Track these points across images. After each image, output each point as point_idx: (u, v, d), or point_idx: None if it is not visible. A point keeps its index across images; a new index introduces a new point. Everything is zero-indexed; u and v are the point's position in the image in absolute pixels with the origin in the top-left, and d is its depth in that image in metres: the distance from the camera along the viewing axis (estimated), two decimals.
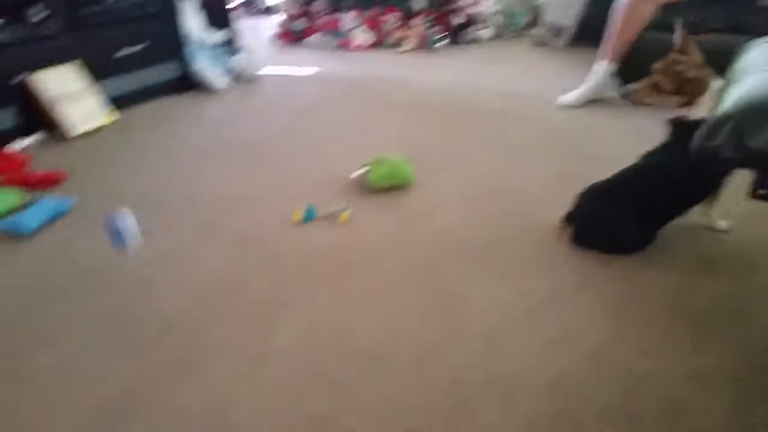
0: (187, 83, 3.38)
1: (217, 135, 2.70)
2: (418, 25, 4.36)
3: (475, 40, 4.43)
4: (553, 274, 1.53)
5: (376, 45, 4.47)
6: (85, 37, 2.91)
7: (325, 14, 4.68)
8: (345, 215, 1.86)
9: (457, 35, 4.39)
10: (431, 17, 4.38)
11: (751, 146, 0.86)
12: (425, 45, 4.29)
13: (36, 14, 2.70)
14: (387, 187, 2.04)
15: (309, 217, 1.86)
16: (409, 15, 4.44)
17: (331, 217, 1.86)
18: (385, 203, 1.96)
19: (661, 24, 2.67)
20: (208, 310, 1.45)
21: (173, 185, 2.17)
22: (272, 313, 1.42)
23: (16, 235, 1.82)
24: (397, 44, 4.38)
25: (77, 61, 2.83)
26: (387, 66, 3.86)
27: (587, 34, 3.58)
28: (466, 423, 1.09)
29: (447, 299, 1.45)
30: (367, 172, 2.04)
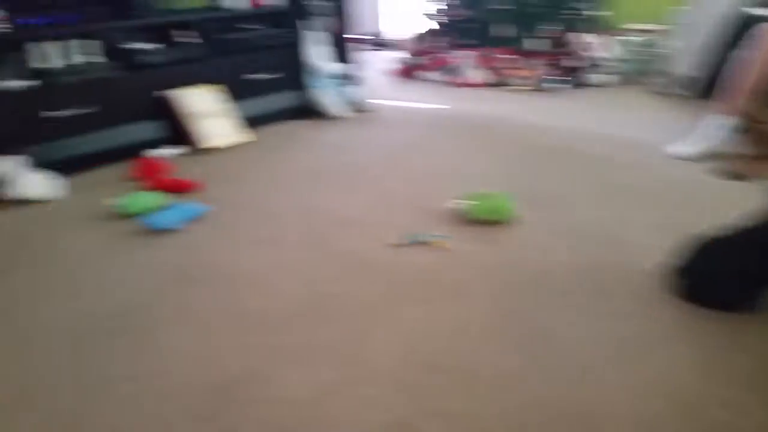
0: (308, 110, 3.67)
1: (331, 159, 2.92)
2: (533, 65, 4.43)
3: (591, 85, 4.41)
4: (646, 321, 1.53)
5: (489, 84, 4.57)
6: (226, 62, 3.28)
7: (442, 52, 4.87)
8: (444, 242, 1.97)
9: (573, 78, 4.40)
10: (547, 58, 4.43)
11: None
12: (539, 86, 4.34)
13: (184, 37, 3.11)
14: (486, 221, 2.12)
15: (413, 240, 1.99)
16: (524, 55, 4.53)
17: (431, 243, 1.97)
18: (482, 236, 2.04)
19: None
20: (311, 311, 1.60)
21: (289, 201, 2.39)
22: (367, 321, 1.55)
23: (153, 231, 2.10)
24: (510, 84, 4.47)
25: (217, 84, 3.19)
26: (498, 105, 3.96)
27: (713, 87, 3.46)
28: None
29: (535, 333, 1.50)
30: (471, 205, 2.14)
